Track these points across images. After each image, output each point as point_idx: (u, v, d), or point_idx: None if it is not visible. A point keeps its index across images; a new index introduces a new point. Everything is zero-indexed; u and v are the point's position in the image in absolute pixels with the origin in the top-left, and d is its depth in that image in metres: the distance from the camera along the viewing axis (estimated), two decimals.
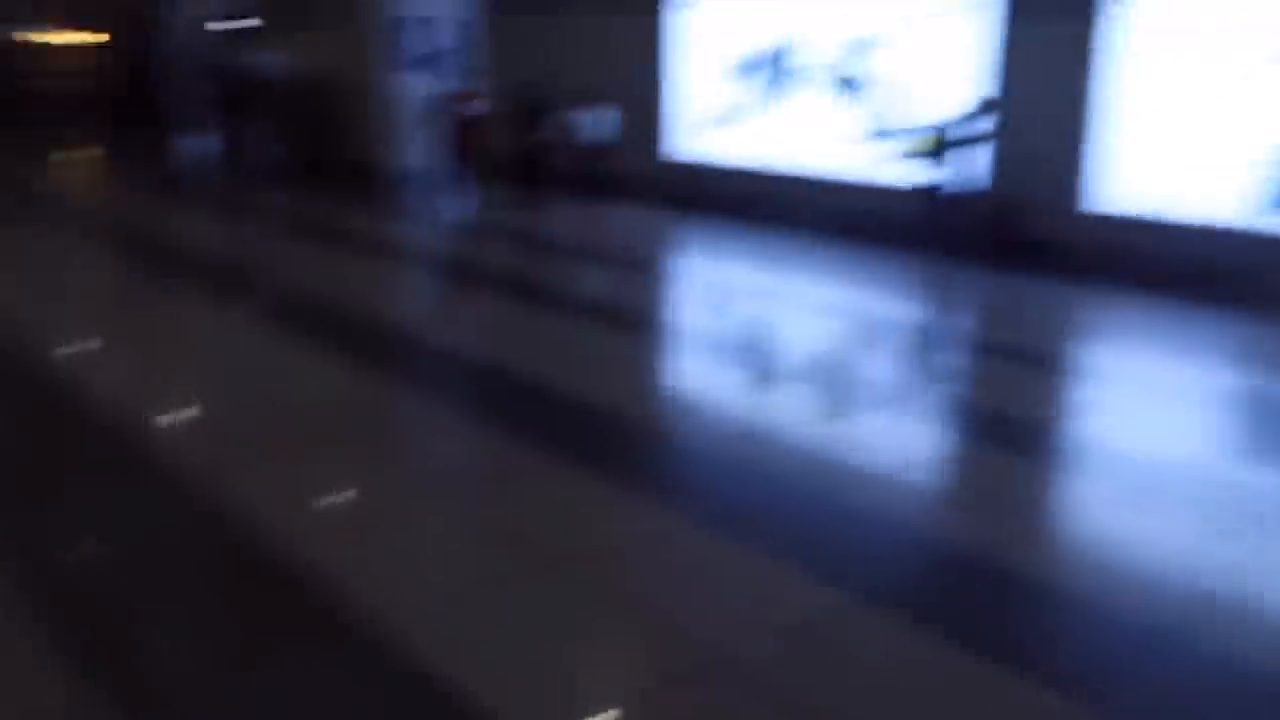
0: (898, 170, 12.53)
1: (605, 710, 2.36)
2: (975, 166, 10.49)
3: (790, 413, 4.73)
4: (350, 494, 3.47)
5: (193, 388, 4.57)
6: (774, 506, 3.44)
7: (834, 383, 5.58)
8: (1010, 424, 4.45)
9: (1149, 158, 8.51)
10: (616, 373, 5.06)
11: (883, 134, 12.93)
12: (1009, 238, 9.33)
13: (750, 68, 14.65)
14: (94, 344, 5.45)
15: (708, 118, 15.01)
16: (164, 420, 4.10)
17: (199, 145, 15.35)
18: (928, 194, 10.12)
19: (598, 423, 4.20)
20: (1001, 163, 10.55)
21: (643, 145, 15.55)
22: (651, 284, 8.33)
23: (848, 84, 13.16)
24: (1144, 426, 4.41)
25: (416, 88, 13.04)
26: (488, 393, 4.75)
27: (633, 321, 6.44)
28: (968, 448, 4.37)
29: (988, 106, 10.79)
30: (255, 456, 3.70)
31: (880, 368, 6.06)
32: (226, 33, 16.31)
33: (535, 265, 8.94)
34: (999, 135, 10.77)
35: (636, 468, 3.75)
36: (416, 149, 13.15)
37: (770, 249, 11.46)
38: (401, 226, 10.97)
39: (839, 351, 6.49)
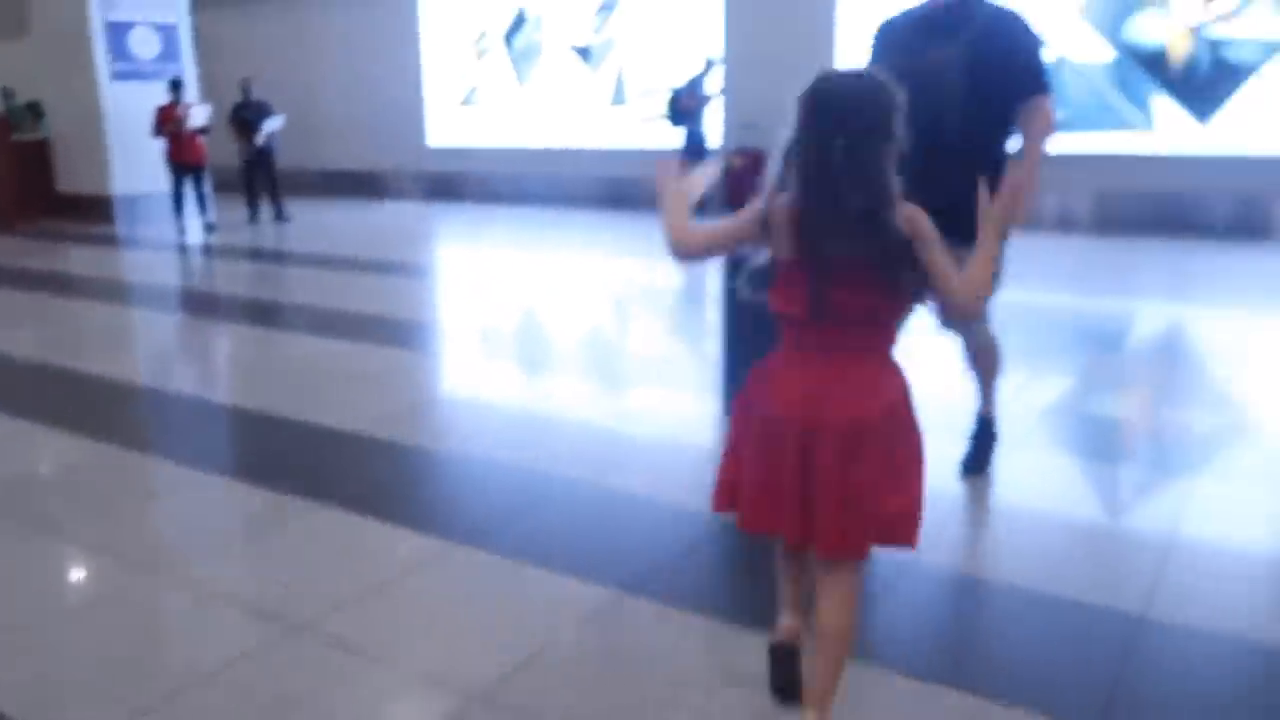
0: (649, 134, 12.61)
1: None
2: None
3: (564, 401, 4.62)
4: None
5: None
6: (545, 506, 3.30)
7: (615, 362, 5.51)
8: None
9: None
10: (371, 394, 4.73)
11: (622, 100, 12.97)
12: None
13: (493, 44, 14.31)
14: None
15: (459, 101, 14.61)
16: None
17: None
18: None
19: (350, 452, 3.90)
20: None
21: (400, 138, 14.98)
22: (407, 286, 7.97)
23: (586, 52, 13.11)
24: None
25: (130, 101, 11.89)
26: (238, 439, 4.34)
27: (388, 332, 6.10)
28: None
29: (709, 66, 11.08)
30: None
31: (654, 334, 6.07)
32: None
33: (281, 282, 8.41)
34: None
35: (394, 496, 3.48)
36: (139, 170, 12.05)
37: (531, 227, 11.30)
38: (129, 258, 10.05)
39: (617, 328, 6.44)
